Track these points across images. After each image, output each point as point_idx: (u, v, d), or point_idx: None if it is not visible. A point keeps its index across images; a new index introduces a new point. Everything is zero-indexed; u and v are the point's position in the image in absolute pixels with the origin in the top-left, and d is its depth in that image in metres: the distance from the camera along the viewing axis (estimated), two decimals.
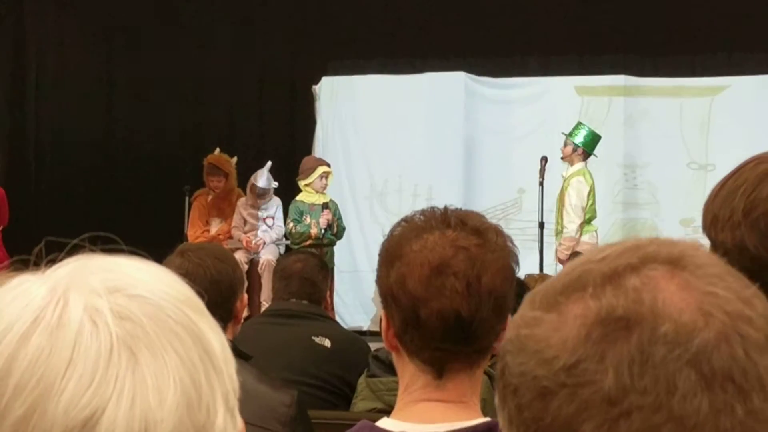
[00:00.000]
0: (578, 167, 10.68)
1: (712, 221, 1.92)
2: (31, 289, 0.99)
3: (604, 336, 0.96)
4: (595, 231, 10.80)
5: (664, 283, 0.99)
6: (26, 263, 1.06)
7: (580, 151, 10.69)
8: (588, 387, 0.95)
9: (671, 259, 1.01)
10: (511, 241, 2.05)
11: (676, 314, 0.96)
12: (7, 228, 11.49)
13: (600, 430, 0.94)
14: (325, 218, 10.80)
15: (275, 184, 11.49)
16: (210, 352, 1.00)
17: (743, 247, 1.87)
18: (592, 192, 10.68)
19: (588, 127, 10.91)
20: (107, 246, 1.09)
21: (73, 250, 1.06)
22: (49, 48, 13.85)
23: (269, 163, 11.44)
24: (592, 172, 10.82)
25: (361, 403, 3.23)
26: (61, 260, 1.04)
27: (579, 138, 10.72)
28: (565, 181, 10.73)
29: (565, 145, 10.78)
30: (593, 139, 10.79)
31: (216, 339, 1.02)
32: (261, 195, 11.39)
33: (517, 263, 2.05)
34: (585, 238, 10.64)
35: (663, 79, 12.64)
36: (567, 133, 10.85)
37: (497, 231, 2.04)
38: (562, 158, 10.83)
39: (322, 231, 10.79)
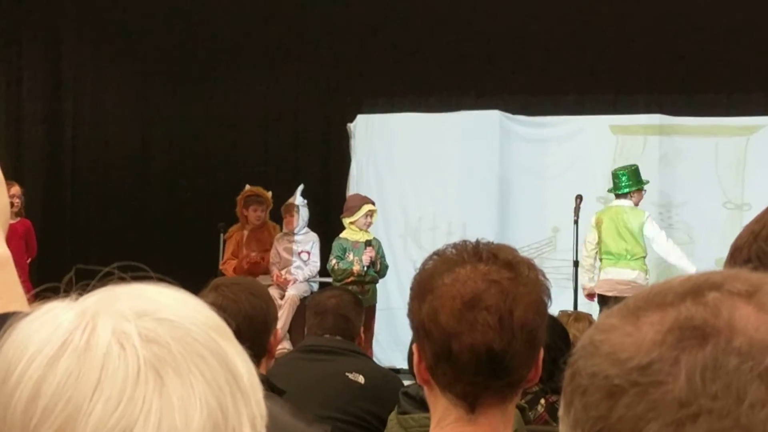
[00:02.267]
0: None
1: (731, 253, 1.93)
2: (60, 315, 1.01)
3: (679, 341, 0.98)
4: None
5: (743, 302, 1.01)
6: (56, 291, 1.08)
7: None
8: (659, 387, 0.97)
9: (752, 283, 1.04)
10: (543, 275, 2.05)
11: (751, 330, 0.98)
12: (43, 258, 11.63)
13: (666, 430, 0.96)
14: (368, 255, 10.79)
15: (304, 206, 11.59)
16: (236, 376, 1.01)
17: None
18: None
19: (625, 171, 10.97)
20: (137, 274, 1.11)
21: (104, 280, 1.08)
22: (86, 82, 13.97)
23: (301, 186, 11.57)
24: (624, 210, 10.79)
25: None
26: (91, 289, 1.06)
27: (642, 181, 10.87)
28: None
29: (638, 192, 10.84)
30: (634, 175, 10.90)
31: (242, 364, 1.04)
32: (295, 212, 11.48)
33: (549, 297, 2.04)
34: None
35: (698, 118, 12.60)
36: (642, 183, 10.88)
37: (529, 264, 2.04)
38: (636, 204, 10.86)
39: (365, 268, 10.79)
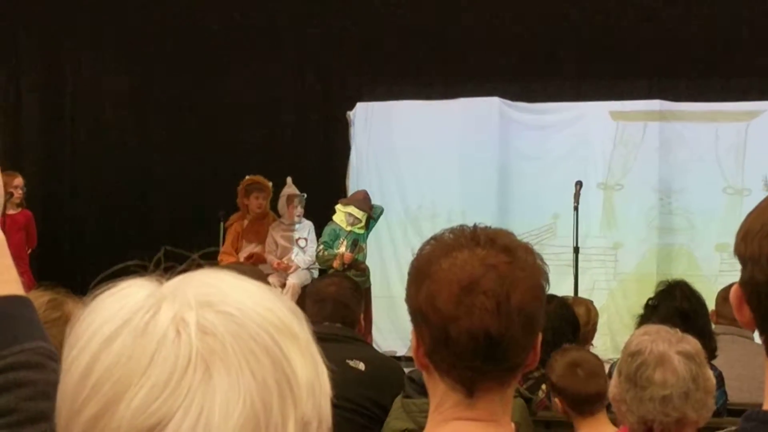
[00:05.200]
0: None
1: (743, 236, 1.91)
2: (132, 293, 1.03)
3: None
4: None
5: None
6: (144, 269, 1.09)
7: None
8: None
9: None
10: (541, 259, 2.04)
11: None
12: (43, 248, 11.67)
13: None
14: (348, 256, 10.95)
15: (302, 194, 11.63)
16: (290, 378, 1.00)
17: None
18: None
19: None
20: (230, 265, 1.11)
21: (189, 264, 1.09)
22: (84, 72, 13.96)
23: (289, 178, 11.63)
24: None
25: (393, 422, 3.24)
26: (174, 271, 1.07)
27: None
28: None
29: None
30: None
31: (303, 366, 1.02)
32: (298, 203, 11.52)
33: (548, 281, 2.03)
34: None
35: (698, 104, 12.59)
36: None
37: (527, 249, 2.03)
38: None
39: (344, 265, 10.89)
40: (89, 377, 0.98)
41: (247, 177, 11.82)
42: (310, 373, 1.03)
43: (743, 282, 1.79)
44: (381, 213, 11.41)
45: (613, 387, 3.42)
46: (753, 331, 1.88)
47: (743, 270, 1.82)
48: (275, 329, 1.02)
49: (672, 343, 3.33)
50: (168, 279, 1.05)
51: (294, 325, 1.04)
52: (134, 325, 0.99)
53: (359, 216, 11.09)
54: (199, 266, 1.09)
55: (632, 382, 3.30)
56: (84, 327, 1.01)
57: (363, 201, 11.26)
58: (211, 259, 1.12)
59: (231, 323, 0.99)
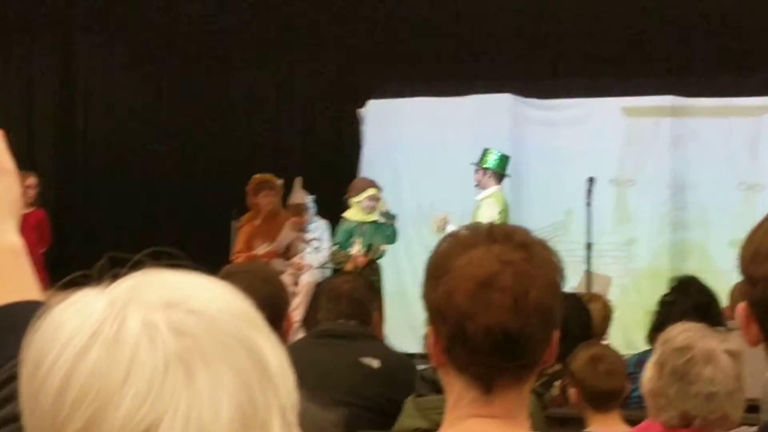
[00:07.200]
0: (491, 190, 10.77)
1: (753, 256, 1.88)
2: (91, 303, 1.01)
3: None
4: None
5: None
6: (87, 279, 1.08)
7: (490, 174, 10.78)
8: None
9: None
10: (557, 255, 2.05)
11: None
12: (56, 248, 11.69)
13: None
14: (362, 260, 10.93)
15: (311, 197, 11.63)
16: (266, 367, 1.01)
17: None
18: (503, 213, 10.71)
19: (496, 151, 10.99)
20: (170, 262, 1.10)
21: (135, 266, 1.08)
22: (96, 70, 13.99)
23: (299, 179, 11.61)
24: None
25: (405, 420, 3.23)
26: (122, 276, 1.05)
27: (489, 162, 10.84)
28: (476, 204, 10.85)
29: (476, 172, 10.87)
30: (502, 161, 10.90)
31: (273, 354, 1.03)
32: (305, 211, 11.50)
33: (564, 277, 2.04)
34: None
35: (710, 99, 12.56)
36: (475, 163, 10.92)
37: (543, 245, 2.03)
38: (476, 186, 10.91)
39: (358, 268, 10.87)
40: (66, 393, 0.96)
41: (255, 176, 11.78)
42: (279, 358, 1.03)
43: (754, 301, 1.77)
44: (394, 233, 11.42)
45: (653, 380, 3.40)
46: None
47: (754, 289, 1.79)
48: (242, 320, 1.02)
49: (719, 341, 3.35)
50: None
51: (255, 314, 1.05)
52: (104, 336, 0.97)
53: (374, 191, 11.09)
54: (153, 265, 1.09)
55: (678, 377, 3.29)
56: (45, 344, 0.99)
57: (368, 182, 11.31)
58: (158, 259, 1.11)
59: (201, 320, 0.99)
